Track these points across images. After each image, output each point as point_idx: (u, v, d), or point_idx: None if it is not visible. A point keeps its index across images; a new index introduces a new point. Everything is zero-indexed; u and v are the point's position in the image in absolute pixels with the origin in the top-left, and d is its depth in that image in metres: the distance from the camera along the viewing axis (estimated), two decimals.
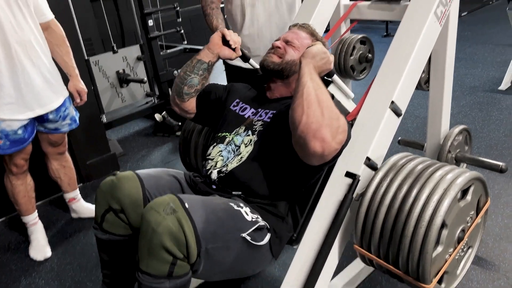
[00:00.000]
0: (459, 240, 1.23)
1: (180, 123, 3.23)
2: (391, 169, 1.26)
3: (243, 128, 1.43)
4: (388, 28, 5.38)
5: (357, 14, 1.91)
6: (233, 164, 1.36)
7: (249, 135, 1.40)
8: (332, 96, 1.48)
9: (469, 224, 1.26)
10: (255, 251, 1.24)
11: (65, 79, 1.98)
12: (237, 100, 1.54)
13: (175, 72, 3.49)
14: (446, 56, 1.69)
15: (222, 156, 1.40)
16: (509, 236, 1.78)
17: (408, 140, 2.07)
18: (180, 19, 3.54)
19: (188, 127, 1.85)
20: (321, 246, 1.31)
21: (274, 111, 1.42)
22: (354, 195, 1.30)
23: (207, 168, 1.41)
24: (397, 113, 1.41)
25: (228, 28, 2.03)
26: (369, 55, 2.07)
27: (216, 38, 1.46)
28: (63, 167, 2.15)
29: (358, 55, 2.05)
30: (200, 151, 1.75)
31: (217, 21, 2.00)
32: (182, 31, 3.57)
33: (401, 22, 1.49)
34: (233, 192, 1.35)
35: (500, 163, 1.71)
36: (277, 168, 1.35)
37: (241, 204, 1.25)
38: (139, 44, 3.34)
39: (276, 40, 1.47)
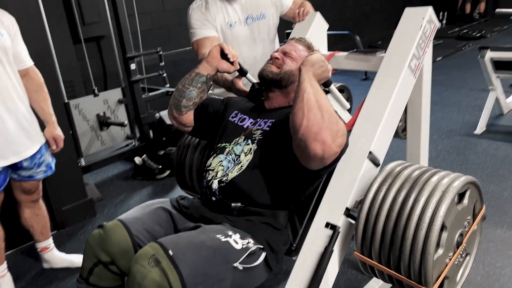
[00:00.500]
0: (458, 244, 1.26)
1: (160, 166, 3.19)
2: (388, 176, 1.29)
3: (243, 137, 1.45)
4: (367, 72, 5.53)
5: (335, 63, 1.95)
6: (233, 173, 1.37)
7: (248, 144, 1.42)
8: None
9: (466, 229, 1.29)
10: (250, 272, 1.24)
11: (42, 125, 1.95)
12: (236, 112, 1.56)
13: (157, 114, 3.49)
14: (421, 105, 1.73)
15: (222, 166, 1.41)
16: (490, 285, 1.77)
17: None
18: (163, 63, 3.57)
19: (184, 143, 1.84)
20: None
21: (273, 120, 1.44)
22: (354, 204, 1.32)
23: (208, 178, 1.42)
24: (375, 163, 1.42)
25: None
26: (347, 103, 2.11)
27: (214, 51, 1.50)
28: (36, 215, 2.08)
29: None
30: (196, 169, 1.74)
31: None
32: (165, 74, 3.60)
33: (377, 74, 1.53)
34: (232, 204, 1.35)
35: None
36: (277, 175, 1.36)
37: (229, 232, 1.23)
38: (121, 87, 3.34)
39: (275, 52, 1.52)
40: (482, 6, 8.78)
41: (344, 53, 1.92)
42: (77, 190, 2.62)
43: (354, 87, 2.14)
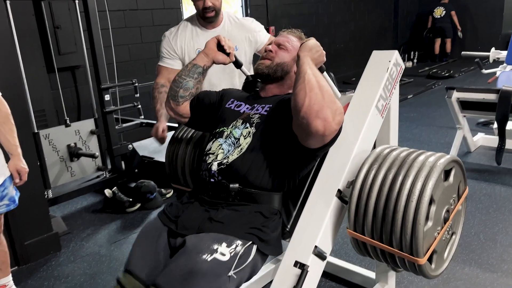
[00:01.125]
0: (445, 220, 1.33)
1: (131, 199, 3.12)
2: (378, 157, 1.37)
3: (241, 121, 1.50)
4: None
5: None
6: (233, 156, 1.42)
7: (247, 128, 1.47)
8: None
9: (452, 207, 1.38)
10: (246, 269, 1.29)
11: (7, 157, 1.89)
12: (232, 99, 1.62)
13: (130, 146, 3.45)
14: (389, 143, 1.76)
15: (223, 149, 1.46)
16: None
17: None
18: (138, 94, 3.57)
19: (176, 138, 1.85)
20: None
21: (270, 105, 1.51)
22: (346, 184, 1.39)
23: (208, 161, 1.46)
24: (344, 201, 1.43)
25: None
26: None
27: (211, 43, 1.59)
28: None
29: None
30: (188, 164, 1.76)
31: (160, 105, 2.08)
32: (140, 106, 3.59)
33: (346, 113, 1.56)
34: (231, 185, 1.40)
35: None
36: (275, 156, 1.43)
37: (215, 246, 1.25)
38: (94, 118, 3.30)
39: (269, 45, 1.58)
40: (448, 47, 9.22)
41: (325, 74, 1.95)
42: (41, 224, 2.52)
43: None
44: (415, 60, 9.37)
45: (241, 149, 1.43)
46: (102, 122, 3.33)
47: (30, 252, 2.46)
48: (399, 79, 1.66)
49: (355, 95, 1.59)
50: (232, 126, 1.51)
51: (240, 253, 1.27)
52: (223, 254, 1.24)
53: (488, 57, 4.23)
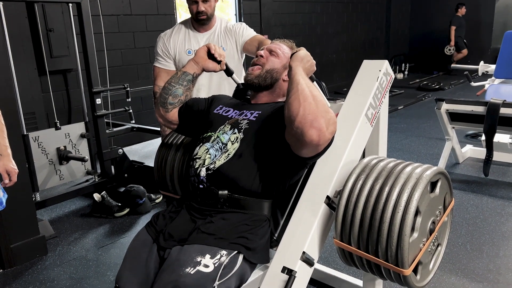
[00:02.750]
0: (431, 231, 1.34)
1: (120, 204, 3.10)
2: (365, 167, 1.37)
3: (229, 126, 1.50)
4: None
5: None
6: (220, 161, 1.42)
7: (235, 133, 1.47)
8: None
9: (438, 218, 1.39)
10: (232, 278, 1.27)
11: None
12: (221, 106, 1.63)
13: (120, 150, 3.43)
14: (378, 152, 1.78)
15: (209, 154, 1.46)
16: None
17: None
18: (130, 99, 3.56)
19: (165, 144, 1.84)
20: None
21: (260, 111, 1.51)
22: (333, 193, 1.40)
23: (196, 166, 1.46)
24: (332, 207, 1.44)
25: None
26: None
27: (201, 51, 1.59)
28: None
29: None
30: (177, 170, 1.75)
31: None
32: (131, 110, 3.58)
33: (336, 120, 1.58)
34: (220, 192, 1.40)
35: None
36: (263, 164, 1.42)
37: (198, 258, 1.24)
38: (84, 121, 3.29)
39: (260, 50, 1.59)
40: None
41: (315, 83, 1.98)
42: (28, 227, 2.49)
43: None
44: (406, 72, 9.49)
45: (228, 154, 1.43)
46: (93, 125, 3.31)
47: (16, 255, 2.42)
48: (389, 88, 1.68)
49: (345, 103, 1.61)
50: (220, 131, 1.51)
51: (224, 263, 1.26)
52: (206, 266, 1.23)
53: (477, 70, 4.30)
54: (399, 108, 6.36)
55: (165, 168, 1.81)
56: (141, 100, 4.96)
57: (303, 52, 1.41)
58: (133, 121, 3.66)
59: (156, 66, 2.24)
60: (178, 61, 2.19)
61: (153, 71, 2.26)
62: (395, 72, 9.01)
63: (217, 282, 1.22)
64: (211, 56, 1.60)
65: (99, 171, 3.46)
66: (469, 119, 3.29)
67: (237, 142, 1.45)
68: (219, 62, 1.61)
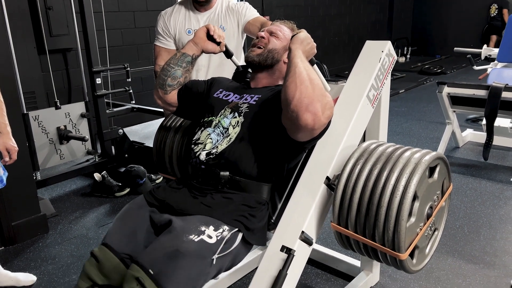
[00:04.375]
0: (428, 216, 1.34)
1: (120, 184, 3.12)
2: (364, 152, 1.38)
3: (229, 110, 1.49)
4: None
5: None
6: (223, 146, 1.43)
7: (236, 117, 1.47)
8: None
9: (436, 203, 1.39)
10: (230, 255, 1.30)
11: None
12: (221, 89, 1.61)
13: (120, 130, 3.43)
14: (379, 135, 1.78)
15: (211, 138, 1.46)
16: None
17: None
18: (130, 79, 3.54)
19: (165, 127, 1.84)
20: None
21: (260, 95, 1.50)
22: (331, 177, 1.39)
23: (196, 150, 1.47)
24: (332, 188, 1.45)
25: None
26: None
27: (201, 32, 1.57)
28: None
29: None
30: (176, 153, 1.75)
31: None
32: (131, 90, 3.57)
33: (337, 102, 1.58)
34: (221, 173, 1.40)
35: None
36: (263, 147, 1.43)
37: (202, 228, 1.25)
38: (84, 101, 3.28)
39: (261, 31, 1.58)
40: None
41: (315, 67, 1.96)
42: (29, 205, 2.51)
43: None
44: (408, 56, 9.41)
45: (230, 138, 1.43)
46: (93, 105, 3.30)
47: (17, 233, 2.45)
48: (391, 69, 1.67)
49: (347, 84, 1.60)
50: (221, 115, 1.50)
51: (226, 238, 1.28)
52: (210, 237, 1.24)
53: (480, 54, 4.26)
54: (400, 91, 6.34)
55: (164, 150, 1.81)
56: (141, 81, 4.93)
57: (303, 34, 1.39)
58: (133, 102, 3.66)
59: (157, 45, 2.22)
60: (178, 41, 2.18)
61: (154, 50, 2.24)
62: (397, 56, 8.94)
63: (216, 255, 1.23)
64: (210, 37, 1.58)
65: (99, 151, 3.46)
66: (471, 103, 3.28)
67: (238, 126, 1.45)
68: (218, 43, 1.59)
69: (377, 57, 1.60)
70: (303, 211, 1.39)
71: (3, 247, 2.41)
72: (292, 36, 1.39)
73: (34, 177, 2.84)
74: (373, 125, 1.77)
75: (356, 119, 1.51)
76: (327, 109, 1.25)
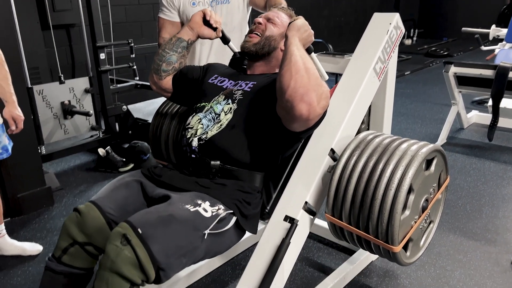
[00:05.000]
0: (423, 209, 1.33)
1: (124, 159, 3.13)
2: (361, 143, 1.36)
3: (223, 97, 1.47)
4: (337, 80, 5.64)
5: None
6: (212, 132, 1.40)
7: (229, 104, 1.44)
8: None
9: (432, 196, 1.37)
10: (221, 237, 1.28)
11: (1, 106, 1.88)
12: (216, 75, 1.58)
13: (124, 107, 3.43)
14: (384, 109, 1.78)
15: (202, 124, 1.44)
16: (441, 287, 1.82)
17: None
18: (134, 55, 3.52)
19: (161, 113, 1.82)
20: None
21: (254, 82, 1.47)
22: (327, 168, 1.38)
23: (188, 136, 1.45)
24: (335, 160, 1.45)
25: None
26: None
27: (197, 17, 1.53)
28: None
29: None
30: (172, 139, 1.74)
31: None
32: (135, 66, 3.55)
33: (343, 75, 1.57)
34: (212, 162, 1.38)
35: None
36: (256, 135, 1.40)
37: (199, 201, 1.25)
38: (88, 76, 3.27)
39: (259, 17, 1.54)
40: None
41: (314, 55, 1.95)
42: (35, 177, 2.53)
43: None
44: (414, 38, 9.30)
45: (221, 125, 1.41)
46: (97, 81, 3.29)
47: (22, 204, 2.47)
48: (398, 43, 1.65)
49: (354, 56, 1.59)
50: (214, 101, 1.47)
51: (221, 216, 1.26)
52: (205, 210, 1.24)
53: (488, 34, 4.21)
54: (406, 73, 6.28)
55: (160, 137, 1.79)
56: (145, 59, 4.90)
57: (300, 21, 1.35)
58: (137, 78, 3.64)
59: (161, 17, 2.19)
60: (182, 13, 2.15)
61: (158, 22, 2.21)
62: (403, 38, 8.83)
63: (208, 230, 1.22)
64: (206, 22, 1.53)
65: (103, 127, 3.47)
66: (477, 83, 3.25)
67: (230, 113, 1.42)
68: (215, 29, 1.55)
69: (385, 29, 1.58)
70: (307, 181, 1.40)
71: (9, 218, 2.44)
72: (289, 24, 1.35)
73: (39, 151, 2.85)
74: (379, 100, 1.76)
75: (362, 92, 1.50)
76: (322, 99, 1.22)
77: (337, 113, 1.47)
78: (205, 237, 1.21)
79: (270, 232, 1.37)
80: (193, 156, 1.42)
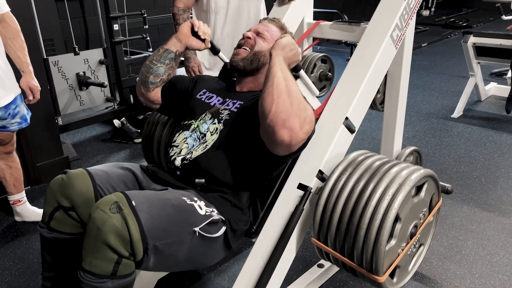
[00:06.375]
0: (412, 235, 1.28)
1: (139, 131, 3.17)
2: (350, 165, 1.31)
3: (209, 115, 1.43)
4: (352, 51, 5.55)
5: (319, 33, 1.96)
6: (197, 152, 1.36)
7: (215, 123, 1.40)
8: None
9: (421, 221, 1.32)
10: (209, 243, 1.23)
11: (18, 76, 1.91)
12: (204, 90, 1.54)
13: (138, 78, 3.44)
14: (400, 78, 1.75)
15: (187, 143, 1.40)
16: (452, 256, 1.84)
17: None
18: (147, 26, 3.50)
19: (153, 120, 1.81)
20: (270, 257, 1.31)
21: (242, 102, 1.42)
22: (314, 190, 1.33)
23: (171, 154, 1.41)
24: (350, 129, 1.45)
25: None
26: (329, 73, 2.12)
27: (185, 28, 1.46)
28: (9, 167, 2.05)
29: (318, 73, 2.09)
30: (164, 146, 1.72)
31: None
32: (148, 38, 3.54)
33: (359, 42, 1.54)
34: (196, 180, 1.33)
35: (447, 185, 1.76)
36: (241, 157, 1.36)
37: (195, 198, 1.24)
38: (103, 47, 3.27)
39: (247, 31, 1.48)
40: None
41: (329, 23, 1.92)
42: (53, 147, 2.58)
43: (338, 67, 2.14)
44: (432, 9, 9.03)
45: (206, 145, 1.37)
46: (111, 52, 3.30)
47: (42, 173, 2.54)
48: (416, 10, 1.61)
49: (370, 23, 1.56)
50: (200, 120, 1.43)
51: (213, 218, 1.22)
52: (200, 208, 1.22)
53: (510, 3, 4.06)
54: (422, 45, 6.14)
55: (152, 144, 1.77)
56: (157, 30, 4.87)
57: (285, 39, 1.29)
58: (151, 49, 3.63)
59: None
60: None
61: None
62: (421, 9, 8.59)
63: (197, 228, 1.17)
64: (195, 33, 1.46)
65: (118, 99, 3.50)
66: (496, 54, 3.18)
67: (216, 133, 1.38)
68: (203, 40, 1.47)
69: None
70: (321, 150, 1.40)
71: (29, 186, 2.51)
72: (275, 42, 1.29)
73: (56, 122, 2.90)
74: (395, 69, 1.74)
75: (379, 60, 1.48)
76: (306, 124, 1.17)
77: (354, 79, 1.45)
78: (194, 234, 1.17)
79: (284, 200, 1.39)
80: (178, 173, 1.39)
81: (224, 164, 1.35)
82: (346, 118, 1.42)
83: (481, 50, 3.24)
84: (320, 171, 1.38)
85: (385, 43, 1.50)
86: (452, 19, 7.79)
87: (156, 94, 1.50)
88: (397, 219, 1.18)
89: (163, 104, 1.53)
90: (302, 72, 1.45)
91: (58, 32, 3.89)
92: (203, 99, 1.50)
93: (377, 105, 1.91)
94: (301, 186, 1.37)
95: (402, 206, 1.17)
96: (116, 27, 3.24)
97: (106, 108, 3.49)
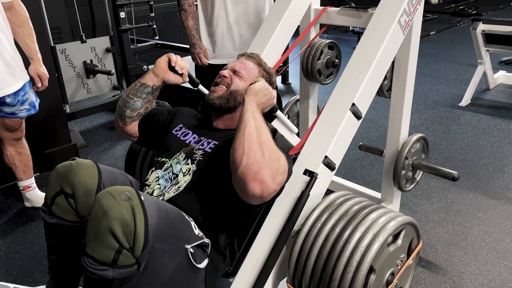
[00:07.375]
0: (388, 283, 1.24)
1: None
2: (327, 208, 1.28)
3: (183, 155, 1.40)
4: (359, 38, 5.50)
5: (326, 19, 1.94)
6: (170, 194, 1.33)
7: (188, 164, 1.37)
8: (275, 131, 1.49)
9: (399, 267, 1.28)
10: (191, 273, 1.21)
11: (27, 63, 1.92)
12: (181, 125, 1.51)
13: (145, 67, 3.45)
14: (408, 64, 1.74)
15: (159, 184, 1.37)
16: (457, 243, 1.85)
17: (369, 146, 2.12)
18: (153, 14, 3.50)
19: (136, 146, 1.78)
20: (275, 241, 1.32)
21: (217, 142, 1.40)
22: (291, 233, 1.29)
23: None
24: (357, 115, 1.44)
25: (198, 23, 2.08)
26: (336, 60, 2.11)
27: (162, 62, 1.44)
28: (18, 154, 2.08)
29: (325, 59, 2.08)
30: (147, 166, 1.70)
31: (193, 20, 2.04)
32: (155, 26, 3.54)
33: (367, 28, 1.53)
34: None
35: (453, 172, 1.77)
36: (214, 200, 1.32)
37: (190, 218, 1.25)
38: (109, 35, 3.28)
39: (223, 70, 1.46)
40: None
41: (336, 9, 1.90)
42: (61, 134, 2.61)
43: (346, 54, 2.12)
44: None
45: (179, 187, 1.33)
46: (118, 40, 3.30)
47: (50, 160, 2.57)
48: None
49: (378, 9, 1.55)
50: (174, 159, 1.40)
51: (203, 240, 1.21)
52: (195, 227, 1.22)
53: None
54: (431, 33, 6.07)
55: (135, 171, 1.76)
56: (164, 18, 4.87)
57: (259, 84, 1.26)
58: (157, 37, 3.63)
59: None
60: None
61: None
62: None
63: (189, 246, 1.16)
64: (172, 68, 1.43)
65: (125, 87, 3.51)
66: (506, 42, 3.14)
67: (189, 174, 1.34)
68: (181, 74, 1.45)
69: None
70: (328, 136, 1.40)
71: (38, 173, 2.54)
72: (249, 86, 1.27)
73: (64, 109, 2.92)
74: (403, 54, 1.72)
75: (386, 45, 1.47)
76: (278, 175, 1.13)
77: (361, 66, 1.45)
78: (184, 254, 1.15)
79: (290, 186, 1.39)
80: None
81: (197, 206, 1.31)
82: (353, 104, 1.42)
83: (490, 37, 3.20)
84: (326, 157, 1.39)
85: (393, 29, 1.49)
86: (461, 7, 7.68)
87: (133, 127, 1.48)
88: (371, 270, 1.15)
89: (141, 137, 1.51)
90: (279, 113, 1.43)
91: (65, 20, 3.90)
92: (178, 136, 1.48)
93: (384, 92, 1.90)
94: (307, 172, 1.38)
95: (377, 258, 1.14)
96: (122, 15, 3.24)
97: (113, 96, 3.51)
